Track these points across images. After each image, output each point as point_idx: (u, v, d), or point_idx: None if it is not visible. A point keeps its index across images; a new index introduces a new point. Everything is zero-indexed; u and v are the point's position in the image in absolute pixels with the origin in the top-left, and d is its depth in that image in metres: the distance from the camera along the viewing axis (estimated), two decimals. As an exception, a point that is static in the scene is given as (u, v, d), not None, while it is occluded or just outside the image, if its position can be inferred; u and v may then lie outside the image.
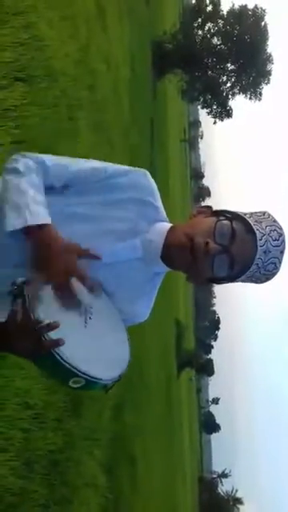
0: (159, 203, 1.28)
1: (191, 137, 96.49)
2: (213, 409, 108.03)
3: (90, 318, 1.12)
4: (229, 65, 22.85)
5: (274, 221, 1.21)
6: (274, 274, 1.21)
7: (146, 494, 9.59)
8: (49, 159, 1.22)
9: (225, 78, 23.35)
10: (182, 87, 25.52)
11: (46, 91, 4.30)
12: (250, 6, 22.25)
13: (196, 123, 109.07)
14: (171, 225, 1.28)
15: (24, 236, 1.10)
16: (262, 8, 22.06)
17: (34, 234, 1.09)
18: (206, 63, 22.70)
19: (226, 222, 1.18)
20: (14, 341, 1.01)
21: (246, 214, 1.21)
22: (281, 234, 1.19)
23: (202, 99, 24.48)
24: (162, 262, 1.25)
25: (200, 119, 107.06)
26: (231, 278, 1.21)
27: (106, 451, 5.51)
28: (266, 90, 23.26)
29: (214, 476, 74.87)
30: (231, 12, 22.38)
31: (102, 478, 5.10)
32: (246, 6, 22.42)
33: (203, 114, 27.94)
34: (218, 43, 22.56)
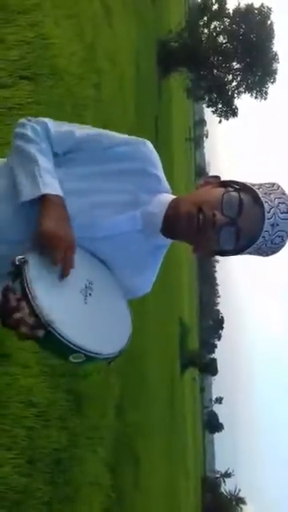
0: (161, 173, 1.25)
1: (196, 135, 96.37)
2: (216, 408, 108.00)
3: (90, 294, 1.12)
4: (234, 63, 22.78)
5: (284, 193, 1.17)
6: (280, 247, 1.18)
7: (149, 493, 9.60)
8: (52, 125, 1.20)
9: (230, 77, 23.27)
10: (187, 86, 25.48)
11: (52, 90, 4.30)
12: (256, 5, 22.16)
13: (201, 122, 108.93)
14: (174, 196, 1.25)
15: (38, 204, 1.09)
16: (268, 7, 21.96)
17: (48, 202, 1.08)
18: (212, 62, 22.64)
19: (234, 193, 1.15)
20: (9, 319, 0.99)
21: (254, 185, 1.17)
22: None
23: (207, 98, 24.41)
24: (161, 235, 1.22)
25: (205, 118, 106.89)
26: (237, 251, 1.19)
27: (110, 450, 5.51)
28: (271, 88, 23.17)
29: (217, 476, 74.87)
30: (237, 10, 22.29)
31: (105, 476, 5.11)
32: (252, 4, 22.33)
33: (208, 113, 27.92)
34: (224, 42, 22.48)
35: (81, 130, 1.22)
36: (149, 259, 1.29)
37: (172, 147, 30.12)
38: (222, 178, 1.24)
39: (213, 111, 24.24)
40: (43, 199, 1.08)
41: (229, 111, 23.58)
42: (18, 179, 1.12)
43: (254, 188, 1.16)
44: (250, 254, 1.21)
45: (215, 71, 23.04)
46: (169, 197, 1.24)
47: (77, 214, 1.15)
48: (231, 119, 24.20)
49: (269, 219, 1.12)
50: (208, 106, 24.94)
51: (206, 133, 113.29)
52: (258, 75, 22.30)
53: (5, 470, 2.70)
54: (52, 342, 0.99)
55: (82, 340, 1.01)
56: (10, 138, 3.55)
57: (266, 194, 1.15)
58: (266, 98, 23.37)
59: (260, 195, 1.14)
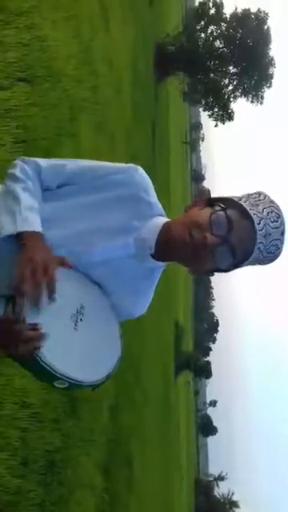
0: (153, 198, 1.27)
1: (192, 139, 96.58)
2: (210, 411, 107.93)
3: (81, 319, 1.14)
4: (231, 68, 22.85)
5: (271, 201, 1.18)
6: (276, 256, 1.19)
7: (143, 496, 9.58)
8: (45, 162, 1.24)
9: (227, 81, 23.36)
10: (183, 89, 25.55)
11: (49, 92, 4.31)
12: (253, 10, 22.26)
13: (197, 125, 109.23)
14: (165, 220, 1.27)
15: (16, 241, 1.12)
16: (264, 12, 22.06)
17: (25, 239, 1.11)
18: (209, 66, 22.70)
19: (220, 212, 1.16)
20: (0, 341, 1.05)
21: (241, 199, 1.18)
22: (279, 215, 1.17)
23: (203, 102, 24.48)
24: (151, 258, 1.24)
25: (201, 121, 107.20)
26: (234, 266, 1.20)
27: (103, 452, 5.51)
28: (267, 93, 23.27)
29: (211, 479, 74.77)
30: (234, 15, 22.38)
31: (98, 478, 5.10)
32: (248, 9, 22.43)
33: (205, 117, 27.95)
34: (221, 46, 22.56)
35: (72, 164, 1.26)
36: (144, 282, 1.31)
37: (169, 150, 30.16)
38: (212, 195, 1.27)
39: (209, 115, 24.31)
40: (21, 236, 1.11)
41: (225, 115, 23.65)
42: (1, 217, 1.14)
43: (241, 202, 1.17)
44: (248, 265, 1.22)
45: (212, 75, 23.12)
46: (160, 221, 1.26)
47: (70, 242, 1.19)
48: (227, 123, 24.28)
49: (260, 230, 1.13)
50: (204, 110, 25.01)
51: (202, 136, 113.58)
52: (255, 79, 22.39)
53: (-2, 471, 2.70)
54: (36, 367, 1.03)
55: (66, 368, 1.04)
56: (6, 140, 3.55)
57: (253, 205, 1.16)
58: (262, 103, 23.48)
59: (247, 208, 1.15)
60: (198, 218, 1.18)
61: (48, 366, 1.02)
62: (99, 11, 7.69)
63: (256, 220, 1.13)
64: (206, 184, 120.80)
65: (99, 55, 7.27)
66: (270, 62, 22.18)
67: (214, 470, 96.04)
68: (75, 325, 1.12)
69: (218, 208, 1.18)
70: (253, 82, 22.46)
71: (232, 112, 23.67)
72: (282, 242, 1.18)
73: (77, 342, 1.11)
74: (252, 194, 1.20)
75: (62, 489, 3.72)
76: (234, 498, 67.25)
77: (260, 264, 1.22)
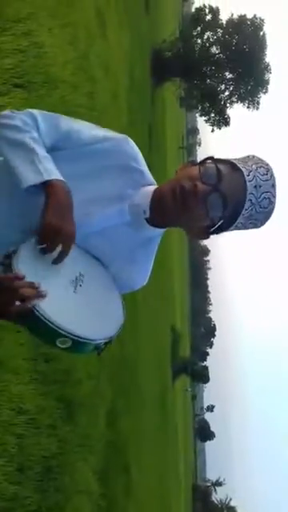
0: (143, 167, 1.28)
1: (189, 144, 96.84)
2: (208, 416, 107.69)
3: (80, 285, 1.15)
4: (227, 73, 22.97)
5: (260, 159, 1.20)
6: (271, 210, 1.19)
7: (140, 502, 9.54)
8: (40, 116, 1.21)
9: (223, 87, 23.48)
10: (180, 95, 25.65)
11: (45, 98, 4.33)
12: (249, 16, 22.41)
13: (194, 130, 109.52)
14: (156, 186, 1.28)
15: (42, 192, 1.09)
16: (260, 18, 22.20)
17: (52, 189, 1.08)
18: (205, 71, 22.81)
19: (210, 164, 1.18)
20: None
21: (230, 158, 1.21)
22: (268, 170, 1.18)
23: (200, 107, 24.60)
24: (148, 225, 1.24)
25: (198, 127, 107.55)
26: (229, 221, 1.18)
27: (100, 458, 5.49)
28: (263, 99, 23.40)
29: (208, 484, 74.54)
30: (230, 21, 22.52)
31: (95, 484, 5.08)
32: (244, 15, 22.57)
33: (201, 122, 28.04)
34: (217, 52, 22.69)
35: (66, 122, 1.25)
36: (141, 252, 1.31)
37: (165, 155, 30.24)
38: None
39: (205, 120, 24.42)
40: (48, 186, 1.08)
41: (221, 120, 23.75)
42: (17, 169, 1.11)
43: (231, 159, 1.19)
44: (245, 226, 1.21)
45: (208, 81, 23.23)
46: (152, 187, 1.27)
47: None
48: (224, 128, 24.39)
49: (250, 181, 1.14)
50: (201, 115, 25.12)
51: (198, 141, 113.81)
52: (250, 85, 22.50)
53: (-6, 478, 2.69)
54: (37, 324, 1.01)
55: (68, 324, 1.02)
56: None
57: (242, 162, 1.19)
58: (258, 108, 23.59)
59: (236, 163, 1.17)
60: (188, 172, 1.19)
61: (49, 322, 1.01)
62: (96, 18, 7.73)
63: (245, 172, 1.15)
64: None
65: (96, 61, 7.31)
66: (266, 68, 22.30)
67: (211, 475, 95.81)
68: (75, 289, 1.13)
69: (208, 161, 1.19)
70: (249, 87, 22.57)
71: (228, 117, 23.78)
72: (274, 196, 1.18)
73: (77, 303, 1.12)
74: (241, 158, 1.22)
75: (58, 495, 3.70)
76: (232, 504, 67.07)
77: (255, 224, 1.21)
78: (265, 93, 22.98)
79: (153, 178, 1.30)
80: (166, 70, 21.20)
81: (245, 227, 1.21)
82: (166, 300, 24.15)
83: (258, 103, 23.29)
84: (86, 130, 1.26)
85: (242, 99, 23.19)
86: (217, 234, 1.23)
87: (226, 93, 23.46)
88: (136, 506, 8.64)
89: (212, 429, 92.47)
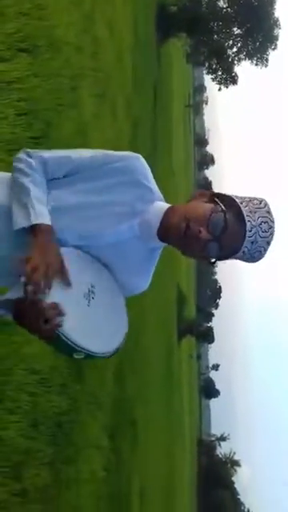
0: (152, 185, 1.37)
1: (196, 102, 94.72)
2: (213, 375, 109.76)
3: (92, 298, 1.28)
4: (235, 29, 22.26)
5: (268, 212, 1.29)
6: (259, 259, 1.33)
7: (147, 455, 9.94)
8: (49, 154, 1.34)
9: (231, 43, 22.78)
10: (186, 51, 24.94)
11: (50, 62, 4.28)
12: None
13: (201, 88, 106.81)
14: (169, 205, 1.38)
15: (29, 232, 1.23)
16: None
17: (37, 231, 1.23)
18: (212, 27, 22.11)
19: (220, 213, 1.28)
20: (24, 320, 1.19)
21: (242, 203, 1.29)
22: (271, 227, 1.28)
23: (207, 64, 23.94)
24: (157, 239, 1.36)
25: (205, 84, 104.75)
26: (220, 259, 1.34)
27: (109, 415, 5.72)
28: (272, 55, 22.73)
29: (213, 439, 76.77)
30: (238, -27, 21.64)
31: (104, 439, 5.32)
32: None
33: (208, 79, 27.34)
34: (225, 6, 21.91)
35: (77, 154, 1.36)
36: (146, 261, 1.44)
37: (171, 114, 29.67)
38: (214, 190, 1.38)
39: (212, 78, 23.81)
40: (34, 228, 1.23)
41: (228, 78, 23.15)
42: (13, 209, 1.26)
43: (241, 206, 1.28)
44: (233, 259, 1.37)
45: (215, 36, 22.52)
46: (163, 205, 1.38)
47: (81, 227, 1.31)
48: (231, 87, 23.81)
49: (249, 237, 1.26)
50: (208, 73, 24.48)
51: (205, 99, 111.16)
52: (259, 41, 21.82)
53: (9, 433, 2.85)
54: (59, 342, 1.18)
55: (83, 341, 1.19)
56: (9, 113, 3.54)
57: (251, 212, 1.28)
58: (266, 65, 22.94)
59: (245, 214, 1.26)
60: (199, 212, 1.30)
61: (69, 341, 1.16)
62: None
63: (248, 227, 1.26)
64: (209, 149, 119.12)
65: (100, 21, 7.13)
66: (275, 23, 21.57)
67: (216, 431, 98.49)
68: (88, 303, 1.27)
69: (219, 208, 1.29)
70: (257, 43, 21.88)
71: (236, 75, 23.16)
72: (266, 250, 1.31)
73: (90, 317, 1.26)
74: (254, 200, 1.31)
75: (70, 449, 3.91)
76: (236, 458, 69.27)
77: (246, 262, 1.35)
78: (274, 49, 22.30)
79: (161, 195, 1.39)
80: (172, 26, 20.53)
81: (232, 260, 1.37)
82: (172, 259, 24.25)
83: (267, 60, 22.63)
84: (99, 154, 1.36)
85: (250, 56, 22.52)
86: (207, 260, 1.37)
87: (234, 49, 22.79)
88: (143, 459, 9.02)
89: (217, 387, 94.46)
